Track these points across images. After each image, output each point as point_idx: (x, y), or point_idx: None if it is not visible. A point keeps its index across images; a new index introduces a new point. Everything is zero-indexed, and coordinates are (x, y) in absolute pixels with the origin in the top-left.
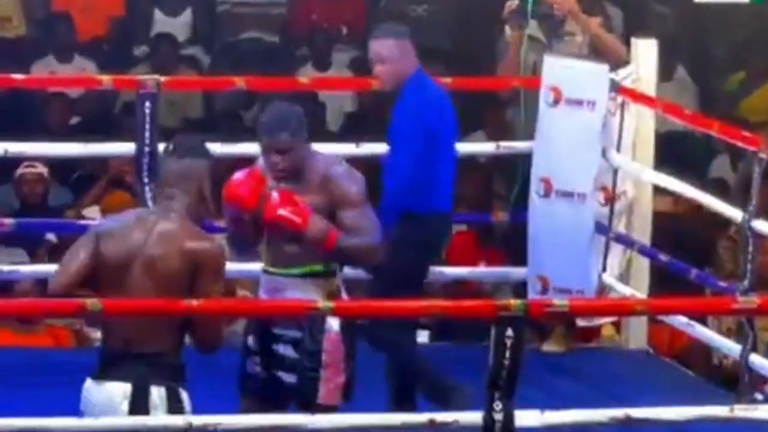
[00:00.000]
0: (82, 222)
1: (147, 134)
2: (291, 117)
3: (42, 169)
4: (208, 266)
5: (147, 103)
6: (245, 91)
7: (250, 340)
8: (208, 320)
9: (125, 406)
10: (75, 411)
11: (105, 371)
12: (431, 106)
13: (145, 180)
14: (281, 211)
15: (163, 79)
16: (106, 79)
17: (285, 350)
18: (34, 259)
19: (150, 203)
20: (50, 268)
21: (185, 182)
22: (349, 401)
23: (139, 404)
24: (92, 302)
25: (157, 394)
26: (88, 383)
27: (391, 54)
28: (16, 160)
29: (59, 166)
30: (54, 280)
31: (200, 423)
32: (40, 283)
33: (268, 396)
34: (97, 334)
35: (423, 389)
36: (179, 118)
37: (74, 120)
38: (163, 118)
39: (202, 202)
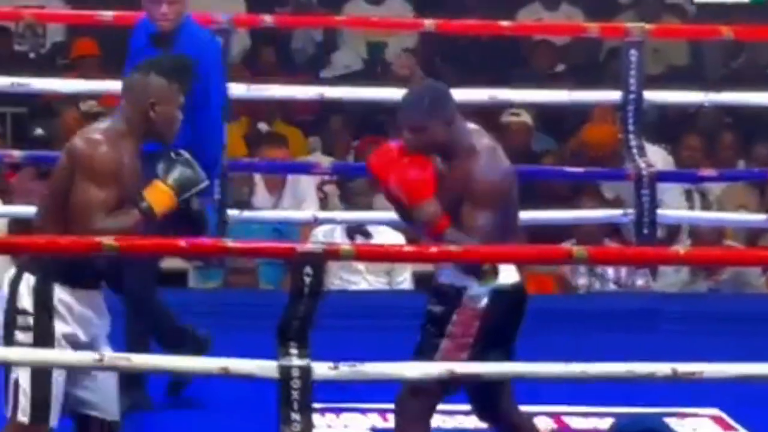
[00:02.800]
0: (563, 168)
1: (632, 82)
2: (426, 96)
3: (525, 118)
4: (79, 166)
5: (633, 51)
6: (732, 40)
7: None
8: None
9: (5, 287)
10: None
11: None
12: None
13: (630, 128)
14: (397, 187)
15: (648, 27)
16: (593, 27)
17: (426, 323)
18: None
19: (635, 150)
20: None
21: (130, 95)
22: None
23: (13, 288)
24: (578, 250)
25: (26, 282)
26: None
27: None
28: (500, 107)
29: (543, 113)
30: None
31: None
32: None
33: None
34: (582, 281)
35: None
36: (664, 66)
37: (559, 67)
38: (648, 65)
39: (148, 122)
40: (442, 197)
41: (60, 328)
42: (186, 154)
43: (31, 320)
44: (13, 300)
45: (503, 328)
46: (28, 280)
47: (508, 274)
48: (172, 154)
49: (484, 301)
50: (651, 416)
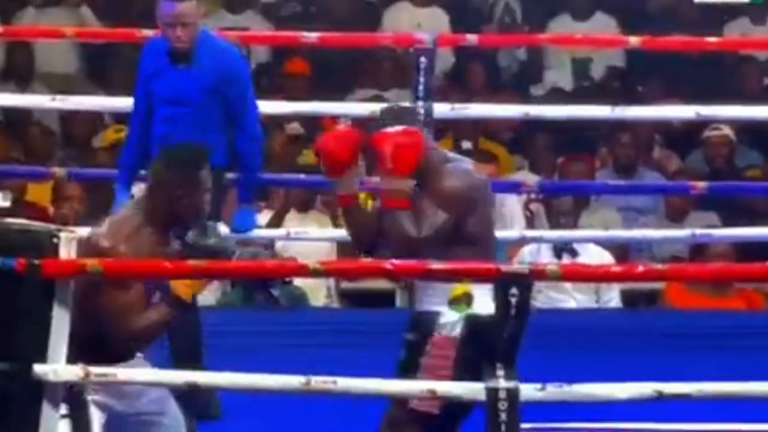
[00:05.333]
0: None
1: None
2: (390, 112)
3: (727, 131)
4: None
5: None
6: None
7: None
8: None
9: None
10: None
11: None
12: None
13: None
14: (386, 146)
15: None
16: None
17: (402, 353)
18: (727, 222)
19: None
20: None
21: (154, 189)
22: (460, 417)
23: None
24: None
25: None
26: None
27: (196, 15)
28: (705, 124)
29: (750, 129)
30: None
31: None
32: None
33: None
34: None
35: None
36: None
37: (767, 82)
38: None
39: (174, 212)
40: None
41: (91, 396)
42: (208, 229)
43: None
44: None
45: (478, 358)
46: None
47: (483, 304)
48: (192, 236)
49: (458, 330)
50: None
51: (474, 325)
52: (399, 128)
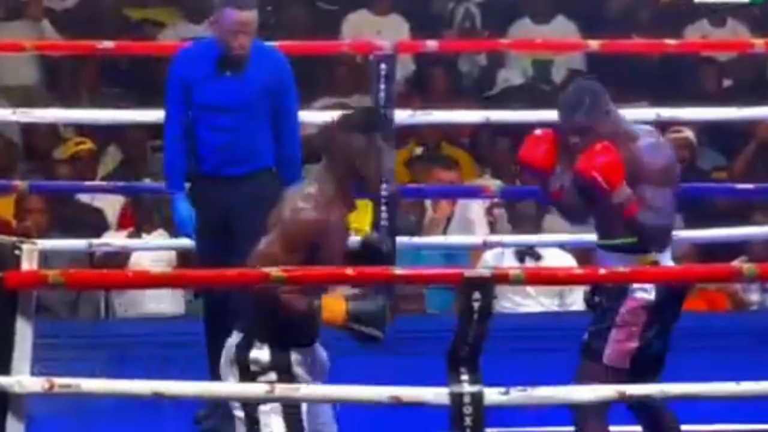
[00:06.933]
0: (734, 186)
1: None
2: (585, 96)
3: (687, 133)
4: (280, 226)
5: None
6: None
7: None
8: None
9: (229, 352)
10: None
11: None
12: None
13: None
14: (594, 173)
15: None
16: (758, 43)
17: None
18: (689, 223)
19: None
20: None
21: (335, 155)
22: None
23: (243, 355)
24: (748, 267)
25: (259, 350)
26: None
27: (256, 24)
28: (667, 125)
29: (709, 130)
30: None
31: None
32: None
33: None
34: (755, 297)
35: None
36: None
37: (726, 84)
38: None
39: (356, 177)
40: None
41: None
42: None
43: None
44: (245, 366)
45: (666, 321)
46: (261, 348)
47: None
48: (376, 238)
49: (652, 295)
50: None
51: (664, 291)
52: (595, 147)
